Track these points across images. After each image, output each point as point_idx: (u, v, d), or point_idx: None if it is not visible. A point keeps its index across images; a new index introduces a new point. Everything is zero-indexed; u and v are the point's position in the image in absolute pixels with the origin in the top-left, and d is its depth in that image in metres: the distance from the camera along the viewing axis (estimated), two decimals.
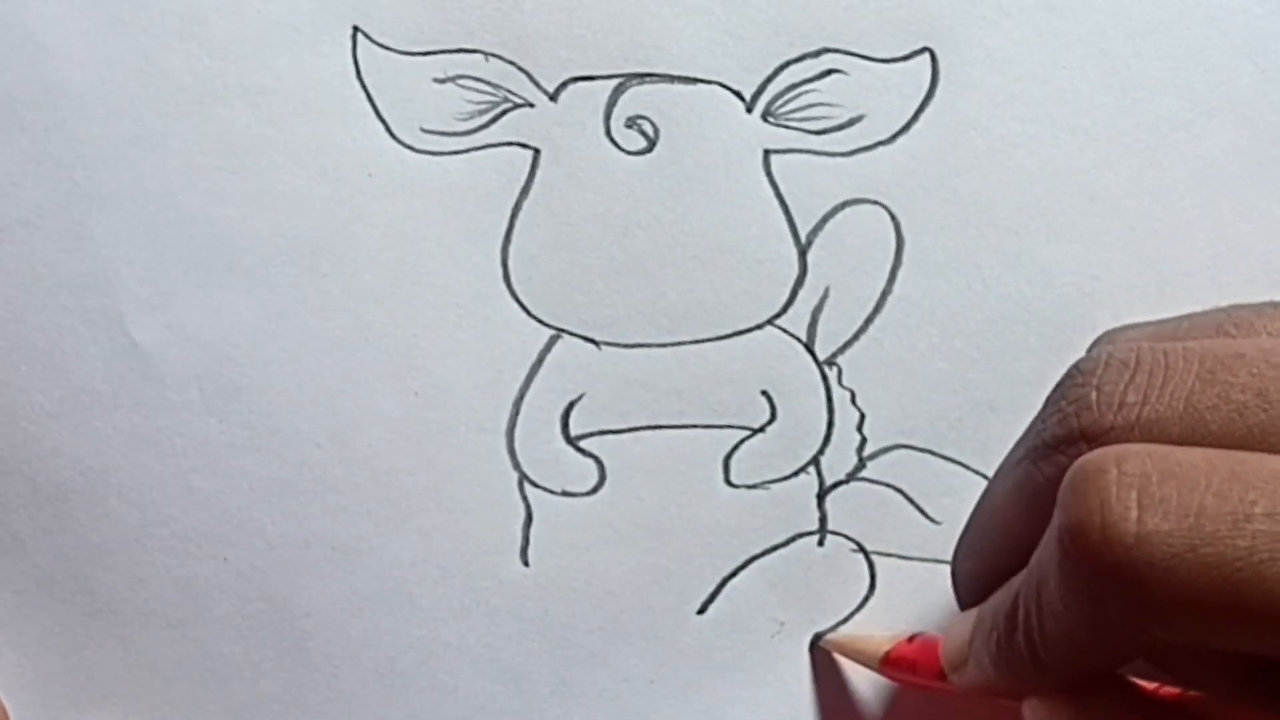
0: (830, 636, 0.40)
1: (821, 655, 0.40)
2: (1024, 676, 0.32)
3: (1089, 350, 0.34)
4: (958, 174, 0.40)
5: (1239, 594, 0.27)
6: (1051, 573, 0.29)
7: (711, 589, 0.40)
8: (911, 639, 0.38)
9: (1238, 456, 0.28)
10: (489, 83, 0.40)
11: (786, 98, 0.40)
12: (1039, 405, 0.37)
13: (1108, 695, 0.31)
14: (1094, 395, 0.30)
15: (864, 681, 0.40)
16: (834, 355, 0.40)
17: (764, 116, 0.40)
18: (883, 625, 0.40)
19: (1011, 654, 0.31)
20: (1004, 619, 0.32)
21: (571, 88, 0.40)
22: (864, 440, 0.40)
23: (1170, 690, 0.33)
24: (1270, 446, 0.28)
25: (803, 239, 0.40)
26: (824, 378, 0.40)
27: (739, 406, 0.40)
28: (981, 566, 0.34)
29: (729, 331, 0.40)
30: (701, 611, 0.40)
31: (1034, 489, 0.31)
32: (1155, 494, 0.28)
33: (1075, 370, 0.31)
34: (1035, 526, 0.31)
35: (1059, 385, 0.32)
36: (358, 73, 0.40)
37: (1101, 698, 0.31)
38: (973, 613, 0.34)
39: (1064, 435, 0.31)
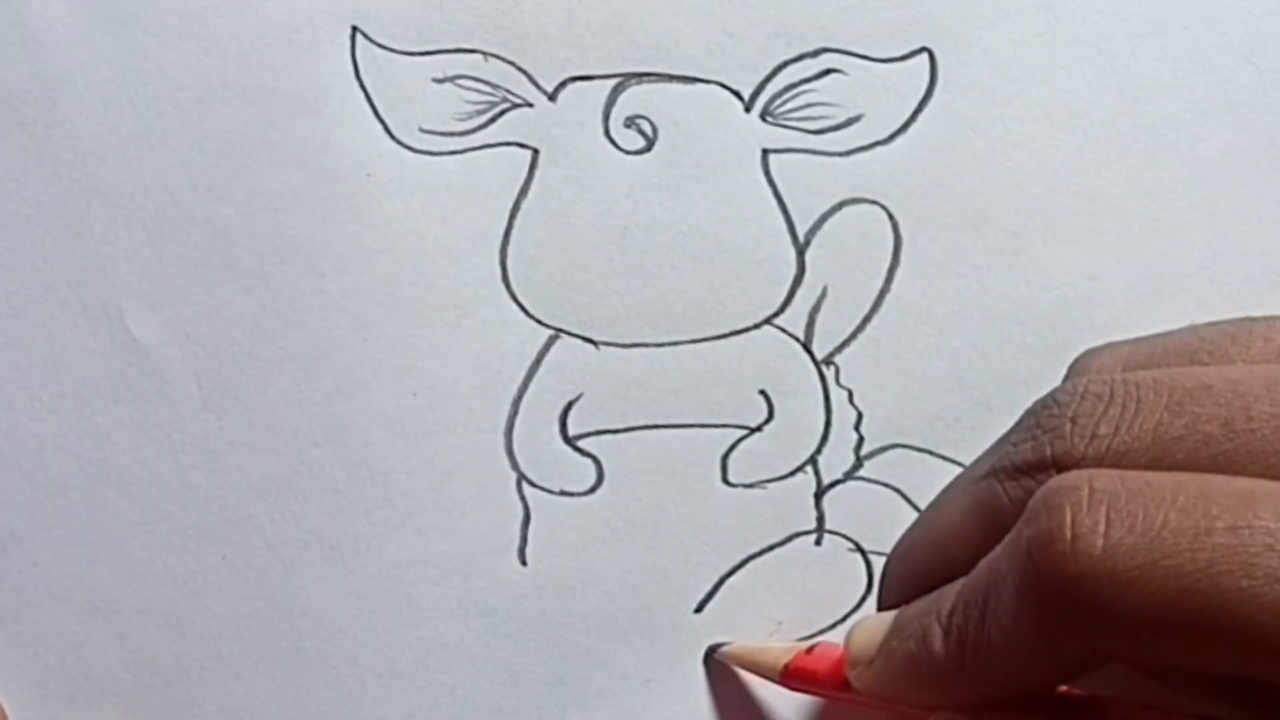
0: (726, 649, 0.40)
1: (718, 667, 0.40)
2: (939, 686, 0.32)
3: (1067, 374, 0.34)
4: (956, 174, 0.40)
5: (1196, 606, 0.27)
6: (1007, 583, 0.29)
7: (709, 588, 0.40)
8: (810, 650, 0.38)
9: (1205, 478, 0.29)
10: (488, 82, 0.40)
11: (785, 97, 0.40)
12: None
13: (1034, 714, 0.32)
14: (1068, 426, 0.31)
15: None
16: (832, 354, 0.40)
17: (762, 116, 0.40)
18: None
19: (933, 662, 0.32)
20: (932, 624, 0.32)
21: (570, 87, 0.40)
22: (861, 439, 0.40)
23: (1079, 692, 0.33)
24: (1235, 474, 0.29)
25: (801, 238, 0.40)
26: (821, 377, 0.40)
27: (736, 406, 0.40)
28: (917, 572, 0.34)
29: (727, 331, 0.40)
30: (699, 610, 0.40)
31: (995, 508, 0.32)
32: (1123, 510, 0.28)
33: (1051, 400, 0.32)
34: (987, 543, 0.31)
35: (1033, 412, 0.32)
36: (356, 72, 0.40)
37: (1029, 715, 0.32)
38: (888, 615, 0.34)
39: (1035, 461, 0.31)
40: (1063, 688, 0.33)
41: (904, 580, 0.35)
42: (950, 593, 0.32)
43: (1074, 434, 0.31)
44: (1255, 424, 0.29)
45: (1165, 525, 0.28)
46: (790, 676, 0.38)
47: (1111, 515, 0.28)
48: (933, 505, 0.35)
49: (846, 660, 0.35)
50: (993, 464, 0.32)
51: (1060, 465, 0.31)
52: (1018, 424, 0.33)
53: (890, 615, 0.34)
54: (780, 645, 0.39)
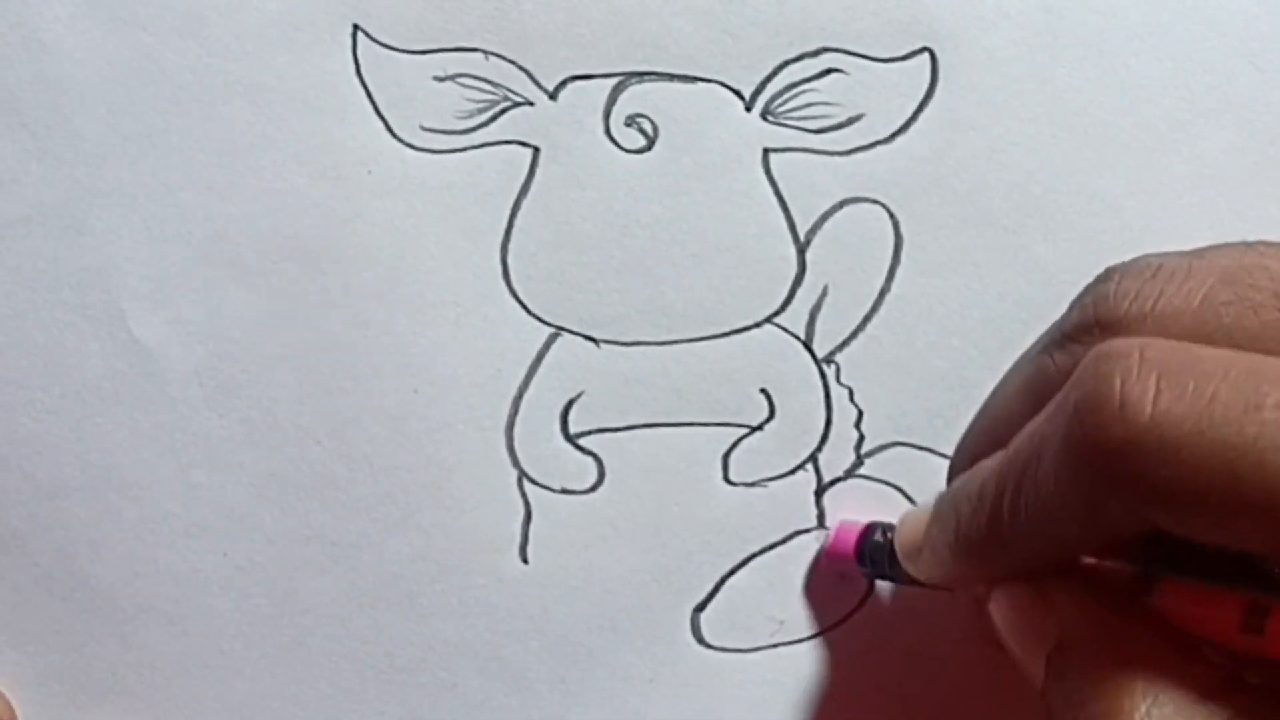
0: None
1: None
2: (984, 561, 0.32)
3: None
4: (956, 173, 0.40)
5: (1240, 480, 0.27)
6: (1051, 448, 0.29)
7: (710, 587, 0.40)
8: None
9: (1257, 357, 0.28)
10: (489, 81, 0.40)
11: (786, 96, 0.40)
12: None
13: (1069, 580, 0.31)
14: (1113, 288, 0.31)
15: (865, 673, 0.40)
16: (832, 353, 0.40)
17: (763, 115, 0.40)
18: (884, 623, 0.40)
19: (975, 536, 0.32)
20: (973, 499, 0.32)
21: (571, 86, 0.40)
22: (862, 438, 0.40)
23: (1109, 565, 0.33)
24: None
25: (801, 237, 0.40)
26: (822, 375, 0.40)
27: (737, 404, 0.40)
28: (975, 458, 0.34)
29: (728, 329, 0.40)
30: (700, 609, 0.41)
31: (1045, 379, 0.32)
32: (1173, 379, 0.28)
33: (1102, 272, 0.31)
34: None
35: (1085, 288, 0.32)
36: (358, 70, 0.40)
37: (1065, 582, 0.31)
38: (927, 503, 0.34)
39: (1080, 324, 0.31)
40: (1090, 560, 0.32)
41: (963, 469, 0.35)
42: (984, 468, 0.32)
43: (1118, 294, 0.30)
44: None
45: (1215, 398, 0.27)
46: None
47: (1162, 383, 0.28)
48: (991, 394, 0.35)
49: (900, 555, 0.36)
50: (1045, 339, 0.32)
51: (1104, 325, 0.30)
52: (1066, 309, 0.32)
53: (929, 502, 0.34)
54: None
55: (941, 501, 0.34)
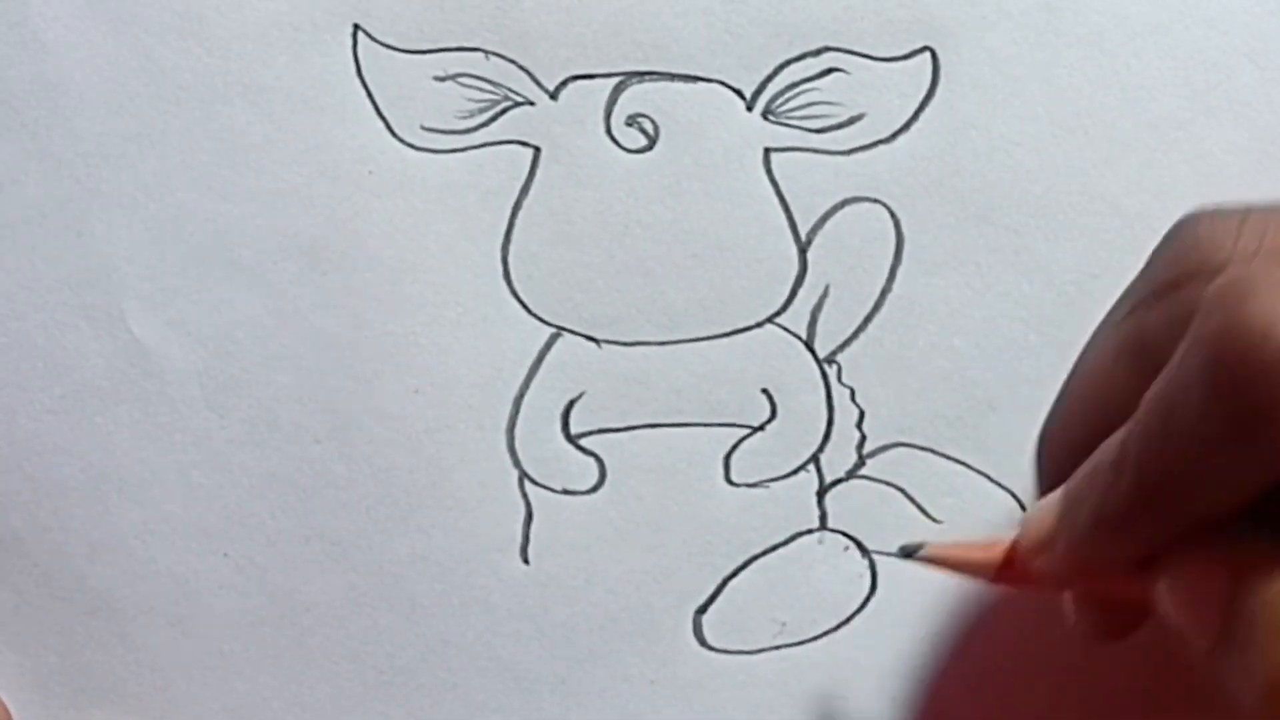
0: (929, 552, 0.36)
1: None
2: (1133, 532, 0.30)
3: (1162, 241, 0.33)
4: (958, 173, 0.40)
5: None
6: (1193, 392, 0.28)
7: (712, 588, 0.40)
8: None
9: None
10: (489, 81, 0.40)
11: (787, 96, 0.40)
12: (1039, 403, 0.37)
13: (1232, 539, 0.29)
14: (1204, 233, 0.30)
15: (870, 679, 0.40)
16: (834, 353, 0.40)
17: (764, 115, 0.40)
18: (886, 625, 0.40)
19: (1122, 507, 0.30)
20: (1111, 471, 0.30)
21: (572, 86, 0.40)
22: (864, 438, 0.40)
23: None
24: None
25: (803, 237, 0.40)
26: (824, 375, 0.40)
27: (739, 405, 0.40)
28: (1075, 437, 0.33)
29: (729, 330, 0.40)
30: (702, 611, 0.40)
31: (1145, 337, 0.30)
32: None
33: (1179, 222, 0.30)
34: (1145, 379, 0.30)
35: (1160, 243, 0.31)
36: (358, 70, 0.40)
37: (1230, 540, 0.29)
38: (1053, 495, 0.32)
39: (1179, 273, 0.30)
40: None
41: (1062, 450, 0.33)
42: (1115, 440, 0.30)
43: (1218, 237, 0.29)
44: None
45: None
46: (1005, 576, 0.35)
47: None
48: (1073, 369, 0.34)
49: (1028, 550, 0.33)
50: (1131, 302, 0.31)
51: (1208, 268, 0.29)
52: (1146, 263, 0.31)
53: (1057, 493, 0.32)
54: (982, 542, 0.35)
55: (1073, 484, 0.32)
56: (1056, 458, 0.34)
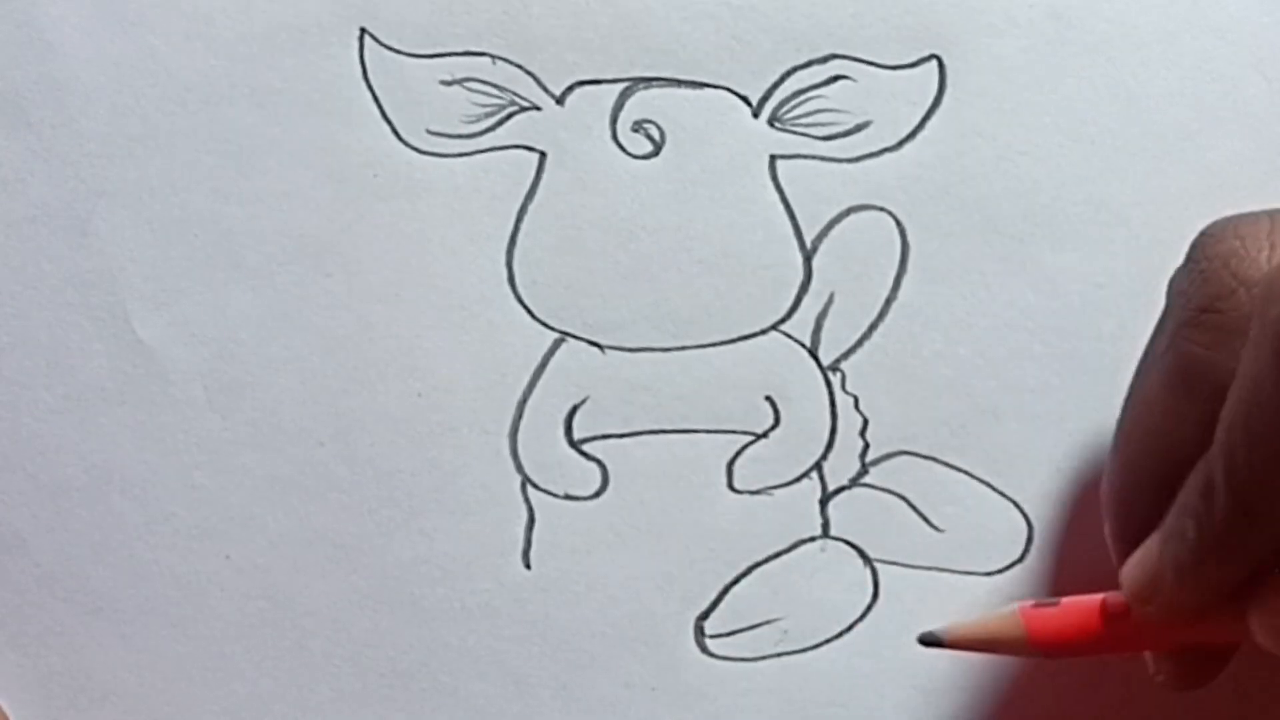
0: (948, 636, 0.35)
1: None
2: (1240, 551, 0.29)
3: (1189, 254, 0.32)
4: (963, 181, 0.40)
5: None
6: (1265, 386, 0.27)
7: (714, 595, 0.40)
8: (1049, 606, 0.34)
9: None
10: (495, 85, 0.40)
11: (793, 103, 0.40)
12: (1043, 412, 0.37)
13: None
14: (1238, 244, 0.29)
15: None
16: (838, 361, 0.40)
17: (770, 122, 0.40)
18: (888, 633, 0.40)
19: (1224, 529, 0.29)
20: (1204, 498, 0.29)
21: (578, 91, 0.40)
22: (867, 446, 0.40)
23: None
24: None
25: (808, 244, 0.40)
26: (828, 383, 0.40)
27: (743, 411, 0.40)
28: (1142, 477, 0.32)
29: (733, 336, 0.40)
30: (704, 617, 0.40)
31: (1195, 363, 0.30)
32: None
33: (1200, 237, 0.29)
34: (1203, 404, 0.29)
35: (1185, 261, 0.30)
36: (364, 74, 0.40)
37: None
38: (1149, 540, 0.31)
39: (1216, 292, 0.29)
40: None
41: (1130, 494, 0.33)
42: (1198, 470, 0.29)
43: (1252, 249, 0.29)
44: None
45: None
46: (1040, 646, 0.34)
47: None
48: (1124, 408, 0.33)
49: (1132, 601, 0.32)
50: (1169, 332, 0.30)
51: (1247, 281, 0.28)
52: (1172, 284, 0.30)
53: (1153, 537, 0.31)
54: (994, 616, 0.35)
55: (1169, 522, 0.31)
56: (1126, 502, 0.33)
